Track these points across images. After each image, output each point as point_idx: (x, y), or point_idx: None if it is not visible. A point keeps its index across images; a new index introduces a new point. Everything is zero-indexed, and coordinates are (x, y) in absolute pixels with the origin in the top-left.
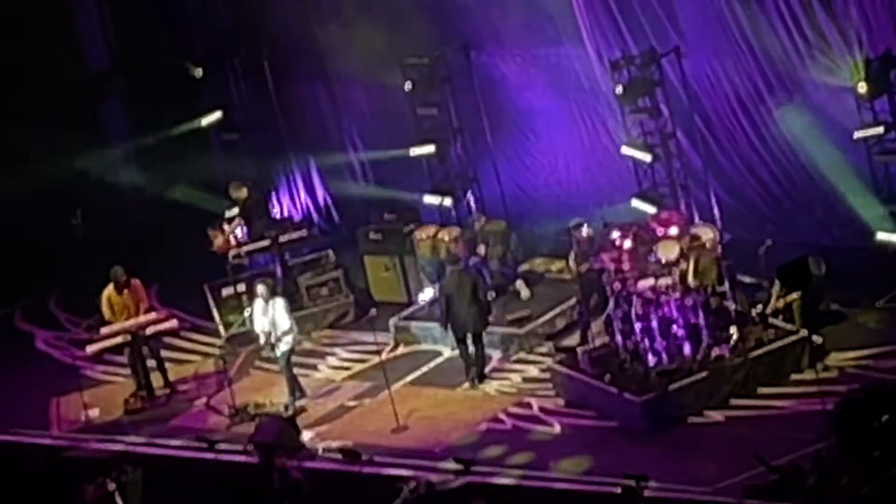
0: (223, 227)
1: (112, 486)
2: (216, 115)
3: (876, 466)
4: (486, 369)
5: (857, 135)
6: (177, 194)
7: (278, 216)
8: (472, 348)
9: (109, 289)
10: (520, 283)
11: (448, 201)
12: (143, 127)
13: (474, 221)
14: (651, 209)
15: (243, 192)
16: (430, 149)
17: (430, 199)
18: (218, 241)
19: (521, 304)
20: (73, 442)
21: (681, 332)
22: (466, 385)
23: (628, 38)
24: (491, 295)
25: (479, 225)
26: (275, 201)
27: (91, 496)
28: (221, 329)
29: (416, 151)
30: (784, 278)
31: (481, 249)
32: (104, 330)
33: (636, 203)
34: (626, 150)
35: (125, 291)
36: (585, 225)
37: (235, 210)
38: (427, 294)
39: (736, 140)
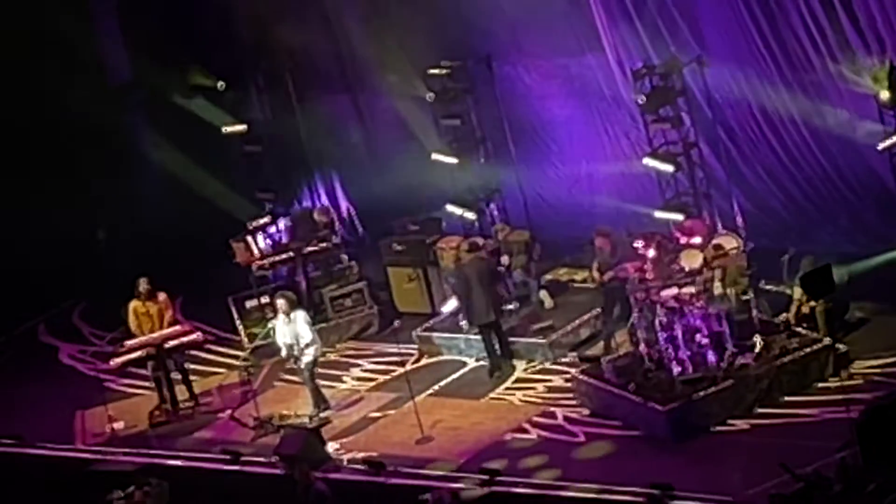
0: (246, 239)
1: (139, 496)
2: (240, 127)
3: None
4: (511, 380)
5: (881, 145)
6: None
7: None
8: (494, 340)
9: (135, 301)
10: (543, 294)
11: (471, 211)
12: (165, 140)
13: (497, 231)
14: (677, 217)
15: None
16: (451, 159)
17: (453, 209)
18: (241, 253)
19: (545, 314)
20: (97, 455)
21: (705, 341)
22: (497, 375)
23: (649, 48)
24: (515, 305)
25: (503, 235)
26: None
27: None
28: (245, 341)
29: (436, 156)
30: (808, 287)
31: (505, 259)
32: (128, 343)
33: (660, 215)
34: (648, 162)
35: (150, 303)
36: (608, 234)
37: (262, 220)
38: (450, 305)
39: (758, 149)
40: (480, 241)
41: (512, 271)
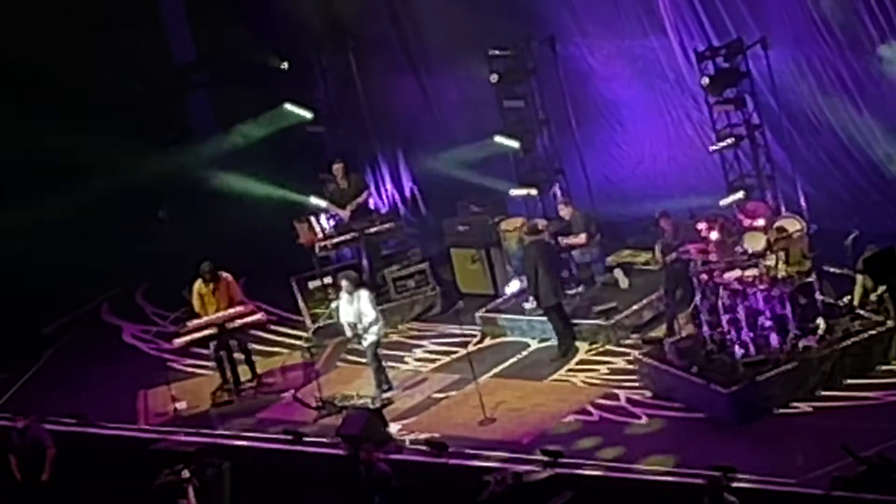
0: (310, 220)
1: (186, 474)
2: (305, 112)
3: None
4: (573, 362)
5: None
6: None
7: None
8: (557, 321)
9: (199, 282)
10: (618, 272)
11: (535, 192)
12: (229, 120)
13: (561, 205)
14: (740, 197)
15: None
16: (514, 143)
17: (517, 192)
18: (304, 234)
19: (615, 293)
20: (160, 435)
21: (768, 324)
22: (565, 355)
23: (710, 31)
24: (581, 288)
25: (565, 213)
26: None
27: (162, 481)
28: (308, 322)
29: (499, 139)
30: (871, 269)
31: (568, 240)
32: (191, 323)
33: (726, 202)
34: (714, 148)
35: (214, 285)
36: (671, 216)
37: (322, 202)
38: (514, 286)
39: (819, 132)
40: (542, 223)
41: (573, 251)
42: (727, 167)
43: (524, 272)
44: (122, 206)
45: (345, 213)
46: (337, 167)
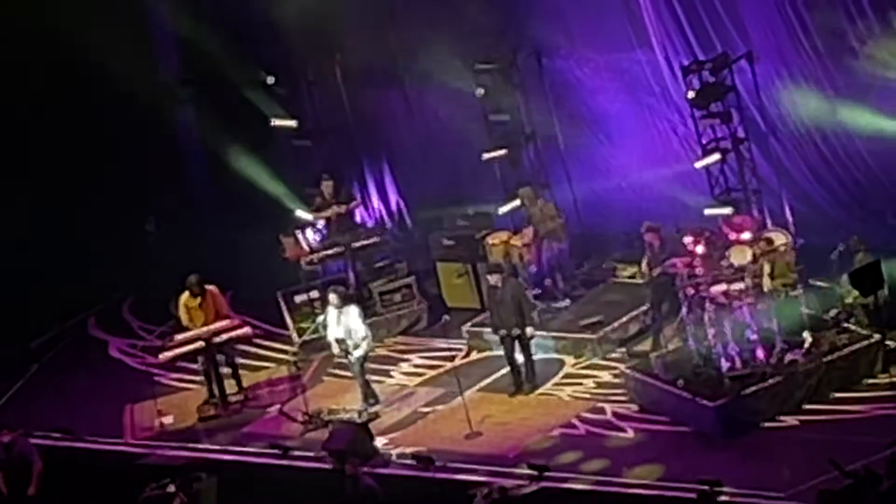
0: (296, 234)
1: (172, 489)
2: (290, 122)
3: None
4: (559, 376)
5: None
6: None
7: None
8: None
9: (186, 295)
10: None
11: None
12: (215, 134)
13: (522, 197)
14: (727, 212)
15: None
16: (501, 151)
17: (506, 209)
18: (290, 247)
19: (601, 307)
20: (147, 449)
21: (754, 337)
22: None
23: (695, 45)
24: (566, 303)
25: (529, 202)
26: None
27: (148, 495)
28: (294, 336)
29: (488, 156)
30: (857, 283)
31: (529, 232)
32: (177, 337)
33: (710, 212)
34: (699, 165)
35: (201, 298)
36: (657, 229)
37: (307, 215)
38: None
39: (804, 147)
40: (529, 234)
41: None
42: (713, 181)
43: (490, 302)
44: (108, 218)
45: (330, 213)
46: (326, 184)
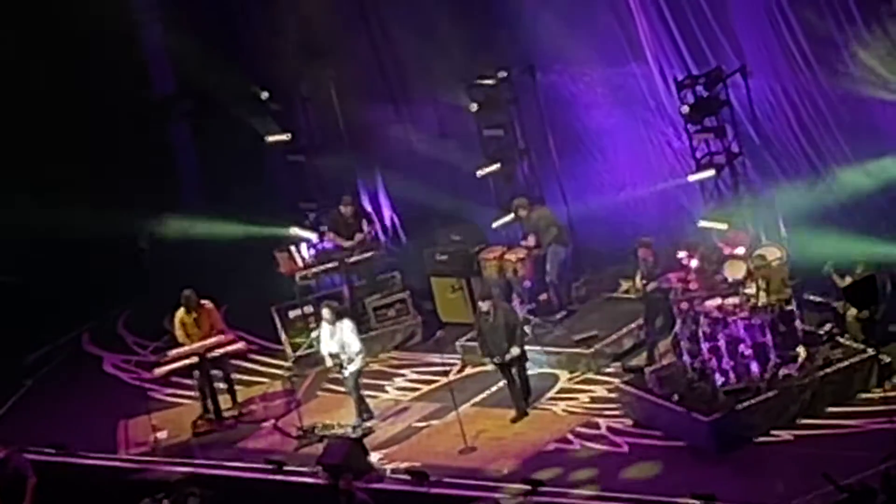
0: (290, 249)
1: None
2: (284, 136)
3: None
4: (554, 390)
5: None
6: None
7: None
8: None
9: (181, 311)
10: None
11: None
12: (209, 150)
13: (517, 208)
14: (721, 227)
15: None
16: (495, 166)
17: (500, 223)
18: (285, 263)
19: (594, 322)
20: (141, 464)
21: (748, 352)
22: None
23: (688, 59)
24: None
25: (525, 213)
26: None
27: None
28: (289, 351)
29: (482, 172)
30: (852, 297)
31: (531, 240)
32: (172, 352)
33: (704, 224)
34: (693, 178)
35: (196, 313)
36: (651, 244)
37: (302, 233)
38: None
39: (797, 162)
40: (524, 250)
41: (542, 249)
42: (707, 195)
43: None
44: (102, 234)
45: (347, 244)
46: (346, 208)
